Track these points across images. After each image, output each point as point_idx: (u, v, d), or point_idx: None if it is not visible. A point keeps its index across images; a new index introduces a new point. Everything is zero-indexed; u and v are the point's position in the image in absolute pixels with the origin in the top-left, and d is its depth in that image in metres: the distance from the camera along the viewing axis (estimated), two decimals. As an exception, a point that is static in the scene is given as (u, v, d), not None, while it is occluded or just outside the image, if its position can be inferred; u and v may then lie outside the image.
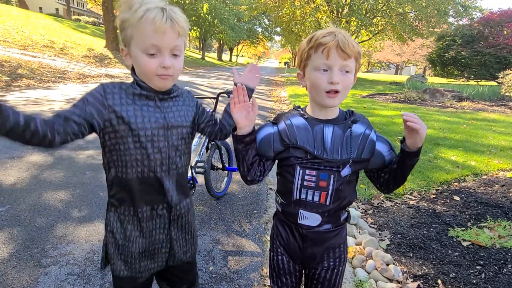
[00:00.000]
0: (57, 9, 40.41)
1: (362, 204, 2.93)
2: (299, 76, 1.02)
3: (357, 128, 0.97)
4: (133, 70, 0.95)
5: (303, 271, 1.14)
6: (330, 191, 0.96)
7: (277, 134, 0.99)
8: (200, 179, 2.92)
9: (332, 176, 0.95)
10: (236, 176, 3.36)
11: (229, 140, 4.59)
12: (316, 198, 0.97)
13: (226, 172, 3.09)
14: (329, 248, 1.05)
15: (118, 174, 0.96)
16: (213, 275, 1.90)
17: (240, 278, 1.89)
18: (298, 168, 0.97)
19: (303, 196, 0.98)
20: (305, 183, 0.97)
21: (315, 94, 0.95)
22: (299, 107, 1.06)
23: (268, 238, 2.27)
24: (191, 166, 2.49)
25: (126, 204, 0.98)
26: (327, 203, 0.97)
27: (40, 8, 36.23)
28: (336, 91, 0.91)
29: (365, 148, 0.96)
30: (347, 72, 0.92)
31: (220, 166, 2.93)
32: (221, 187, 3.02)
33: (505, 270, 1.92)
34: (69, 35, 17.00)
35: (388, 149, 1.00)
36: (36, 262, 1.87)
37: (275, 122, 1.02)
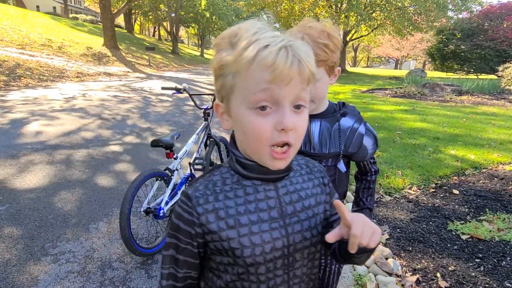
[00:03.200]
0: (54, 7, 40.16)
1: (362, 199, 2.93)
2: None
3: (346, 122, 0.96)
4: (232, 140, 0.63)
5: None
6: None
7: None
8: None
9: None
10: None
11: (228, 137, 4.56)
12: None
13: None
14: None
15: None
16: (213, 271, 1.91)
17: (240, 273, 1.90)
18: None
19: None
20: None
21: None
22: None
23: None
24: (189, 163, 2.49)
25: None
26: None
27: (37, 7, 36.00)
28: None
29: (353, 142, 0.95)
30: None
31: (219, 162, 2.93)
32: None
33: (504, 262, 1.93)
34: (67, 33, 16.93)
35: (373, 143, 0.99)
36: (36, 261, 1.88)
37: None
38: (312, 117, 0.97)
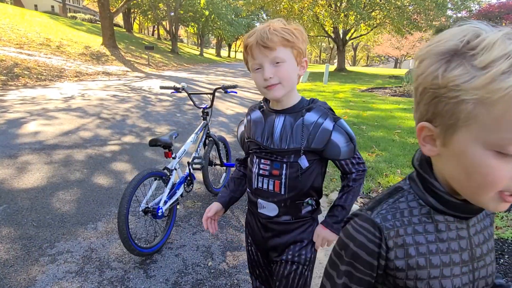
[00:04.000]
0: (52, 6, 40.01)
1: (361, 197, 2.93)
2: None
3: (310, 117, 0.94)
4: (428, 164, 0.53)
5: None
6: (283, 180, 0.96)
7: (244, 131, 1.08)
8: (199, 175, 2.91)
9: (284, 165, 0.96)
10: (235, 172, 3.35)
11: (227, 136, 4.54)
12: (270, 187, 0.98)
13: (224, 168, 3.09)
14: (290, 242, 1.02)
15: None
16: (212, 271, 1.90)
17: (239, 273, 1.90)
18: (255, 157, 1.01)
19: (259, 184, 1.00)
20: (260, 171, 0.99)
21: (261, 92, 0.97)
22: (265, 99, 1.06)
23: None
24: (188, 162, 2.49)
25: None
26: (282, 192, 0.97)
27: (35, 6, 35.87)
28: (274, 84, 0.91)
29: (316, 138, 0.93)
30: (278, 63, 0.90)
31: (218, 162, 2.92)
32: (219, 183, 3.02)
33: (502, 260, 1.93)
34: (65, 32, 16.88)
35: (346, 140, 0.95)
36: (33, 261, 1.87)
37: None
38: (278, 113, 0.97)
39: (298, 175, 0.95)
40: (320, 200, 1.07)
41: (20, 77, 8.31)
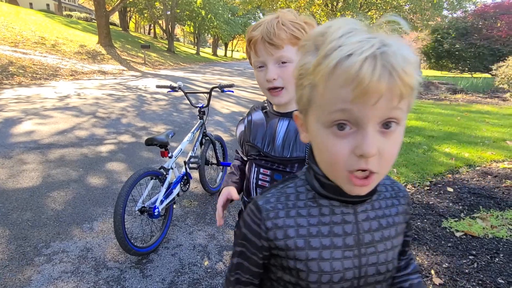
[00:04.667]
0: (48, 4, 39.64)
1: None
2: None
3: None
4: (311, 153, 0.55)
5: None
6: None
7: (244, 131, 0.97)
8: (195, 174, 2.91)
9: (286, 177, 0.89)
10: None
11: (224, 136, 4.52)
12: None
13: (221, 167, 3.08)
14: None
15: None
16: (208, 270, 1.90)
17: (235, 272, 1.90)
18: (254, 165, 0.91)
19: None
20: (259, 182, 0.90)
21: (263, 93, 0.88)
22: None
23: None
24: (185, 162, 2.48)
25: None
26: None
27: (31, 4, 35.47)
28: (277, 88, 0.82)
29: None
30: (284, 63, 0.80)
31: (214, 161, 2.92)
32: (216, 183, 3.01)
33: (497, 259, 1.95)
34: (61, 31, 16.73)
35: None
36: (29, 261, 1.86)
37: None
38: (282, 116, 0.88)
39: None
40: None
41: (15, 76, 8.23)
